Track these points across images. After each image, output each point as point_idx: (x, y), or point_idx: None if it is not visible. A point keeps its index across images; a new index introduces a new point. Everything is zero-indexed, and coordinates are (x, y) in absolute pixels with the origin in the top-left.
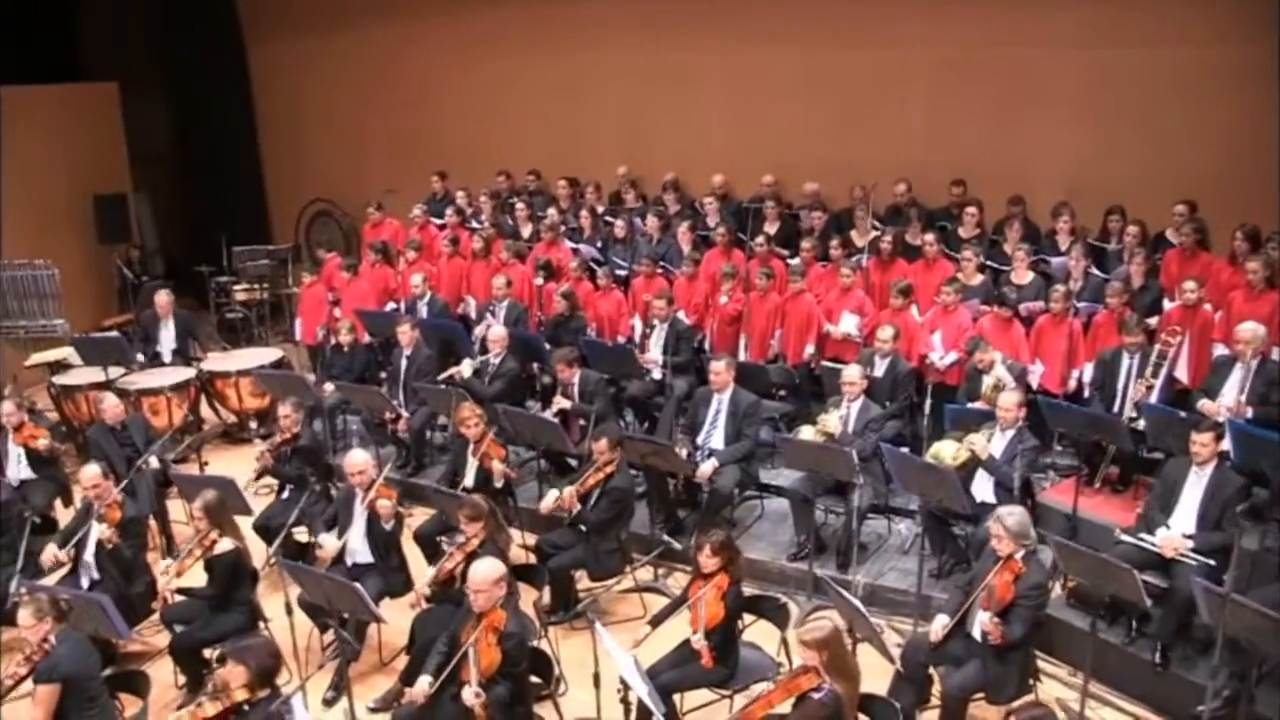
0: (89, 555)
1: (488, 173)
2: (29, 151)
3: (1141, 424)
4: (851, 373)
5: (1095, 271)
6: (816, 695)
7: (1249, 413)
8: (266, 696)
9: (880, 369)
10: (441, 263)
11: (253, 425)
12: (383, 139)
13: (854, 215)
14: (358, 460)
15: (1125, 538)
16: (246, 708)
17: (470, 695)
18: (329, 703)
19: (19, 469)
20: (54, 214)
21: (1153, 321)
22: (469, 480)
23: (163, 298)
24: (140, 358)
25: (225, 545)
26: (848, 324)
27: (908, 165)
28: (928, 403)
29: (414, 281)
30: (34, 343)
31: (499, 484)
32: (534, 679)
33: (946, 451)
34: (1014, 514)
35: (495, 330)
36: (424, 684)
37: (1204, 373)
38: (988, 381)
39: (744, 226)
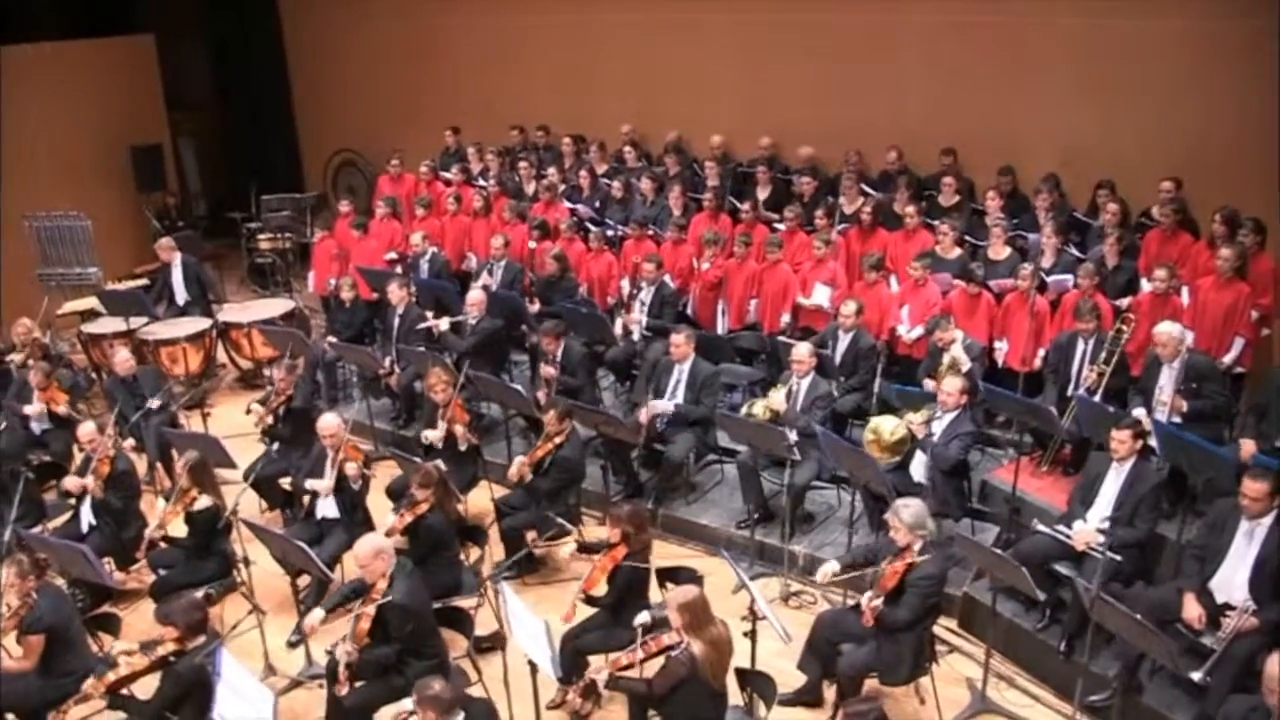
0: (87, 503)
1: (504, 127)
2: (68, 105)
3: None
4: (800, 350)
5: (1069, 250)
6: (674, 653)
7: (1185, 406)
8: (200, 644)
9: (843, 343)
10: (446, 219)
11: (266, 373)
12: (405, 91)
13: (842, 182)
14: (330, 423)
15: (1041, 528)
16: (173, 659)
17: (341, 651)
18: (292, 645)
19: (41, 420)
20: (92, 165)
21: (1125, 303)
22: (438, 441)
23: (163, 244)
24: (159, 309)
25: (204, 502)
26: (819, 295)
27: (904, 131)
28: (878, 380)
29: (414, 239)
30: (72, 290)
31: (463, 447)
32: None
33: (886, 427)
34: (910, 506)
35: (473, 294)
36: (314, 617)
37: None
38: (945, 361)
39: (741, 190)
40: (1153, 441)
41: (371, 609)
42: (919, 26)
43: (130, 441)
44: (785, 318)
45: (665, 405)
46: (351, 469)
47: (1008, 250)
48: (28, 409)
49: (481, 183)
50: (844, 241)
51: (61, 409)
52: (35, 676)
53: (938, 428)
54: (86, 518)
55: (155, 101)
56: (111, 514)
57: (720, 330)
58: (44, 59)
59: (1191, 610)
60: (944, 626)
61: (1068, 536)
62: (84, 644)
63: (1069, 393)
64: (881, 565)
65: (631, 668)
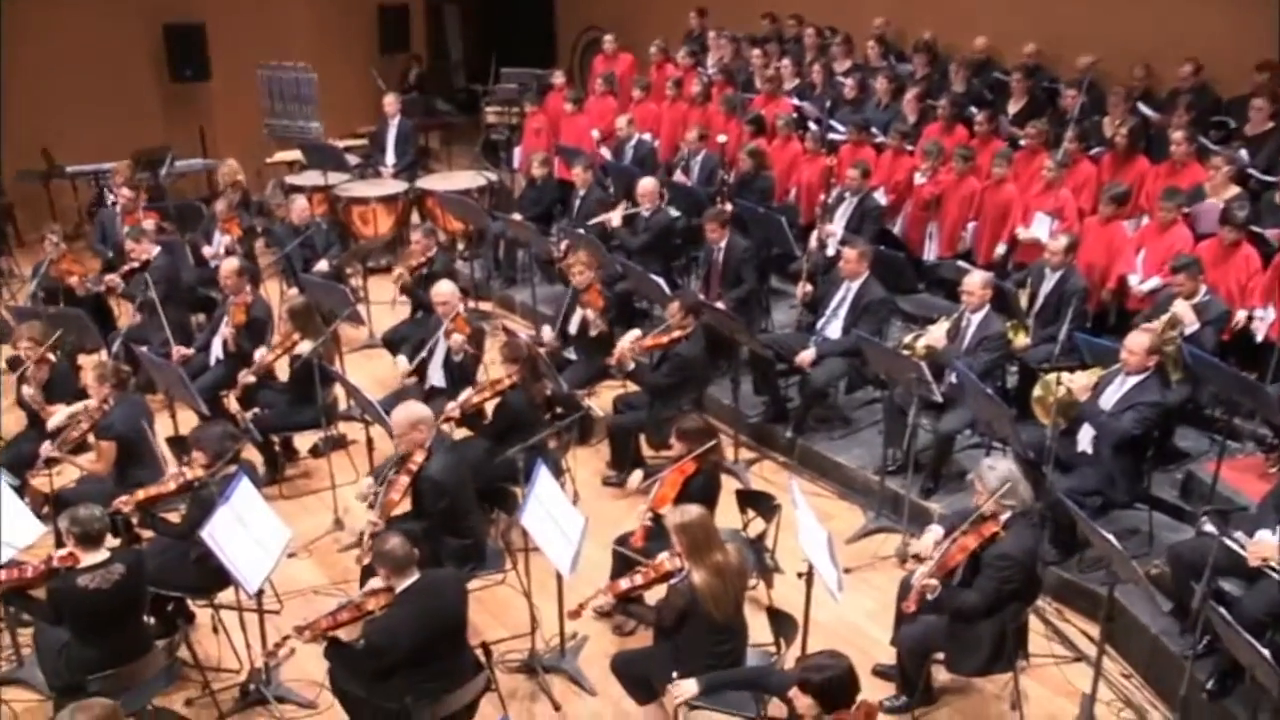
0: (218, 339)
1: (757, 14)
2: None
3: None
4: (973, 280)
5: None
6: (674, 581)
7: None
8: (230, 474)
9: (1048, 283)
10: (664, 106)
11: (459, 246)
12: None
13: (1107, 100)
14: (444, 291)
15: (1208, 527)
16: (198, 484)
17: (366, 524)
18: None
19: (218, 258)
20: (338, 21)
21: None
22: (573, 327)
23: (388, 100)
24: (353, 162)
25: (304, 347)
26: (1039, 227)
27: (1207, 43)
28: (1065, 328)
29: (620, 122)
30: (291, 141)
31: (593, 334)
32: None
33: (1054, 386)
34: (996, 468)
35: (645, 183)
36: (363, 484)
37: None
38: (1163, 317)
39: (995, 101)
40: None
41: (404, 480)
42: None
43: (294, 289)
44: (1000, 248)
45: (807, 355)
46: (456, 341)
47: None
48: (206, 250)
49: (709, 69)
50: (1095, 169)
51: (227, 239)
52: (111, 483)
53: (1113, 394)
54: (216, 352)
55: None
56: (240, 354)
57: (928, 255)
58: None
59: None
60: (1081, 631)
61: (1242, 546)
62: (153, 459)
63: None
64: (948, 538)
65: (634, 591)
